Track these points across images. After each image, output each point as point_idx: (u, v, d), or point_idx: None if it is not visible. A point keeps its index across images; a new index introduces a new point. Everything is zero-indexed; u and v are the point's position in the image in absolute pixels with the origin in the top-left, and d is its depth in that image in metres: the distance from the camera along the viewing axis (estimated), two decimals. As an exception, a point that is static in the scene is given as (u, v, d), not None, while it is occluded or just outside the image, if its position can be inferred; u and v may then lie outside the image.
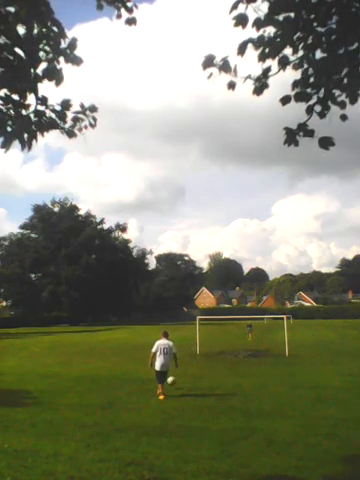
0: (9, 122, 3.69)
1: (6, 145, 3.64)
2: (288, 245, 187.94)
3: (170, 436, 6.60)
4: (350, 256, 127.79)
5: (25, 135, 3.72)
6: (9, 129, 3.65)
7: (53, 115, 3.80)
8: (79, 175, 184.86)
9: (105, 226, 67.68)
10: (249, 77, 3.23)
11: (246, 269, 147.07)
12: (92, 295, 57.10)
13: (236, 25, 3.02)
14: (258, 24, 3.04)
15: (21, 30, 3.46)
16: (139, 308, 70.61)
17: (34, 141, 3.81)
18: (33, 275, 64.25)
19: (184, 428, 7.05)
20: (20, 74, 3.50)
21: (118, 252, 63.34)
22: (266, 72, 3.21)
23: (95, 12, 3.78)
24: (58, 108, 3.80)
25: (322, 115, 3.24)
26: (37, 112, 3.72)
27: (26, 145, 3.77)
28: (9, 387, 11.45)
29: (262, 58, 3.13)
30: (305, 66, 3.16)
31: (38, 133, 3.79)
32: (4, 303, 66.21)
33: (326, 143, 3.20)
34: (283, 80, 3.54)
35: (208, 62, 3.24)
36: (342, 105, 3.23)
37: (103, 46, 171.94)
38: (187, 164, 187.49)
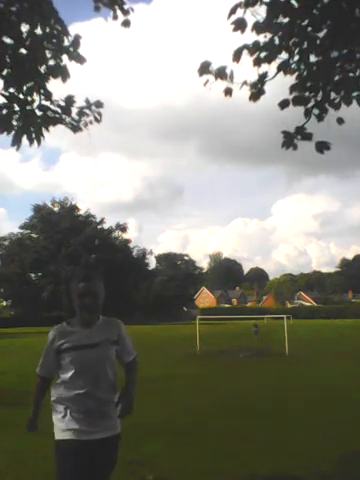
0: (15, 119, 3.70)
1: (16, 142, 3.66)
2: (287, 245, 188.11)
3: (170, 436, 6.61)
4: (350, 256, 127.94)
5: (32, 130, 3.73)
6: (15, 123, 3.66)
7: (58, 109, 3.82)
8: (76, 174, 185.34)
9: (105, 226, 67.79)
10: (245, 83, 3.25)
11: (246, 269, 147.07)
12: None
13: (235, 30, 3.03)
14: (257, 29, 3.06)
15: (24, 29, 3.48)
16: (139, 308, 70.57)
17: (42, 137, 3.82)
18: (33, 275, 64.23)
19: (184, 428, 7.06)
20: (27, 72, 3.52)
21: (118, 252, 63.29)
22: (262, 77, 3.23)
23: (92, 11, 3.80)
24: (62, 104, 3.82)
25: (320, 118, 3.26)
26: (42, 107, 3.74)
27: (34, 140, 3.78)
28: (10, 387, 11.45)
29: (257, 63, 3.15)
30: (301, 70, 3.18)
31: (43, 128, 3.80)
32: (4, 303, 66.20)
33: (322, 147, 3.23)
34: (281, 80, 3.57)
35: (204, 69, 3.25)
36: (337, 107, 3.25)
37: (99, 45, 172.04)
38: (185, 163, 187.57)
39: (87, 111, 4.03)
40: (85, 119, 4.04)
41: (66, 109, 3.87)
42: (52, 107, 3.81)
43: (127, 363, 3.07)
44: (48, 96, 3.73)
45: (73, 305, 2.78)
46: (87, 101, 4.00)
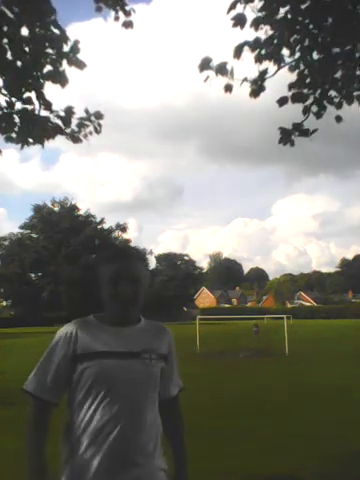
0: (16, 126, 3.70)
1: (22, 141, 3.65)
2: (287, 245, 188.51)
3: (170, 436, 6.59)
4: (350, 256, 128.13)
5: (31, 140, 3.75)
6: (16, 129, 3.67)
7: (59, 121, 3.82)
8: (75, 174, 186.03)
9: (105, 226, 67.78)
10: (246, 80, 3.24)
11: (246, 269, 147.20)
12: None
13: (234, 25, 3.02)
14: (256, 24, 3.04)
15: (24, 32, 3.47)
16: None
17: (42, 145, 3.84)
18: (33, 275, 64.25)
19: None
20: (25, 77, 3.52)
21: (118, 252, 63.30)
22: (263, 74, 3.22)
23: (91, 11, 3.79)
24: (62, 114, 3.82)
25: (319, 115, 3.25)
26: (42, 118, 3.74)
27: (38, 141, 3.78)
28: (10, 387, 11.43)
29: (259, 60, 3.14)
30: (301, 67, 3.17)
31: (44, 138, 3.81)
32: (4, 303, 66.24)
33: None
34: (281, 78, 3.56)
35: (204, 65, 3.25)
36: (338, 106, 3.24)
37: (99, 45, 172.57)
38: (185, 163, 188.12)
39: (87, 122, 4.02)
40: (84, 130, 4.04)
41: (66, 120, 3.86)
42: (51, 118, 3.80)
43: (170, 398, 1.88)
44: (48, 106, 3.72)
45: (100, 297, 1.79)
46: (87, 111, 3.99)
